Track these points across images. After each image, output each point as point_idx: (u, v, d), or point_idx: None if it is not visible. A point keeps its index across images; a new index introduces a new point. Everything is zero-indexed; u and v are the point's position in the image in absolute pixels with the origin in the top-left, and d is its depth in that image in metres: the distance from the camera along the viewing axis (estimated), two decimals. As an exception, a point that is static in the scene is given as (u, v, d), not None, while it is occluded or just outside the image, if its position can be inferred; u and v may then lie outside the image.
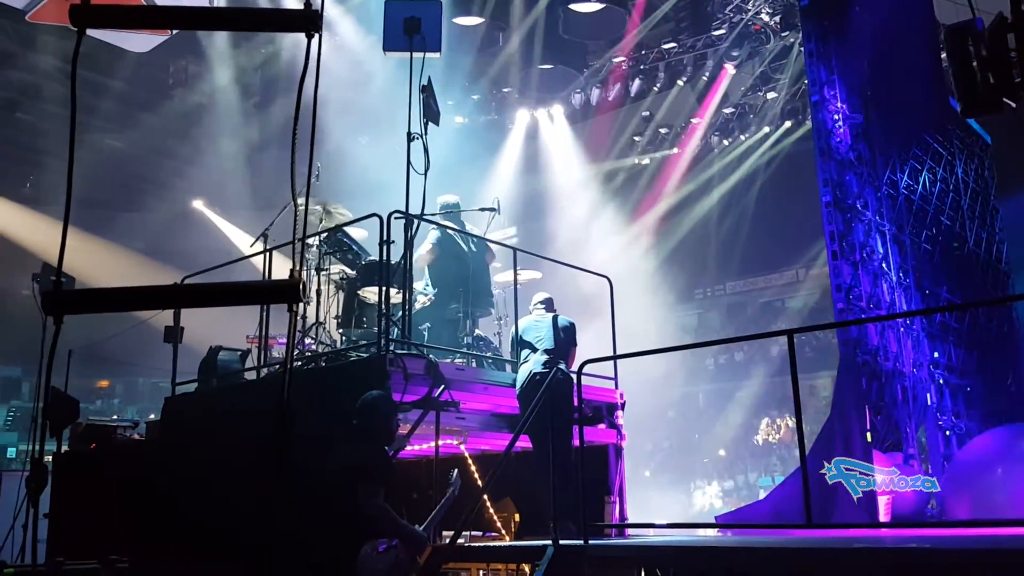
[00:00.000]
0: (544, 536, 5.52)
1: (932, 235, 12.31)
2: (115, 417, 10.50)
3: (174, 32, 13.89)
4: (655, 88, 18.45)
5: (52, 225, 19.02)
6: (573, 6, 15.26)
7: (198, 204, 21.14)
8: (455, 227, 7.86)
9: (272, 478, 5.19)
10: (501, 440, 6.83)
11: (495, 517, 6.65)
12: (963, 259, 13.01)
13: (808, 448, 7.77)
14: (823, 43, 10.64)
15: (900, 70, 11.90)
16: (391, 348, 6.09)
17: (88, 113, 17.72)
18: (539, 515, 6.17)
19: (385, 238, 6.31)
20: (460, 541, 5.74)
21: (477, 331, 8.06)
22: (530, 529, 6.58)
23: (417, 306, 7.37)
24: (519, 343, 6.94)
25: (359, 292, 7.28)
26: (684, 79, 18.19)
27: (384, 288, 6.32)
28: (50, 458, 9.27)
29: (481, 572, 6.09)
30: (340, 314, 7.61)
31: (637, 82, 18.24)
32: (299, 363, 7.29)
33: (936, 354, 11.53)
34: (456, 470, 5.74)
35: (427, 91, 6.76)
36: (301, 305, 7.35)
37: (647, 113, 20.11)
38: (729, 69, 17.76)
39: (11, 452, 19.39)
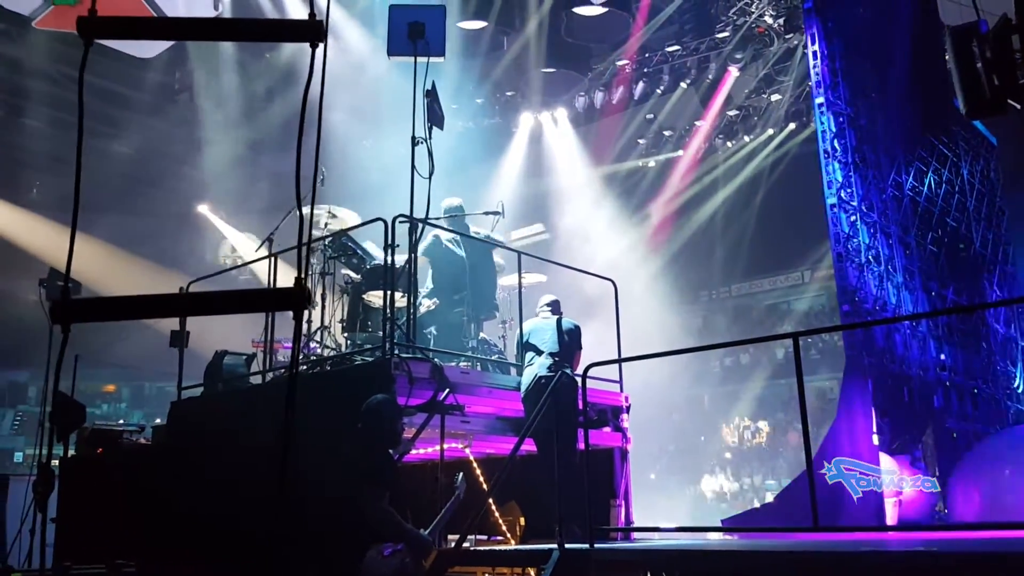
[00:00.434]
0: (549, 540, 5.51)
1: (938, 237, 12.28)
2: (121, 422, 10.52)
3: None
4: (659, 91, 18.47)
5: (58, 231, 19.07)
6: (577, 9, 15.27)
7: (203, 208, 21.18)
8: (456, 230, 7.86)
9: (278, 482, 5.20)
10: (506, 444, 6.82)
11: (500, 521, 6.65)
12: (969, 260, 12.98)
13: (815, 451, 7.75)
14: (827, 45, 10.63)
15: (904, 72, 11.90)
16: (396, 352, 6.09)
17: (93, 118, 17.75)
18: (544, 519, 6.16)
19: (389, 242, 6.32)
20: (465, 545, 5.74)
21: (482, 334, 8.07)
22: (535, 533, 6.57)
23: (422, 310, 7.38)
24: (524, 346, 6.94)
25: (364, 296, 7.29)
26: (688, 82, 18.20)
27: (389, 292, 6.33)
28: (56, 462, 9.30)
29: (486, 576, 6.09)
30: (345, 318, 7.62)
31: (641, 85, 18.26)
32: (304, 367, 7.30)
33: (943, 356, 11.49)
34: (461, 473, 5.75)
35: (431, 95, 6.78)
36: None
37: (651, 116, 20.11)
38: (733, 71, 17.76)
39: (18, 457, 19.43)
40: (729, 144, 20.44)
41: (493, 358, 7.82)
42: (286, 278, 8.20)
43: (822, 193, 10.33)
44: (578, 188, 20.39)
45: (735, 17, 16.61)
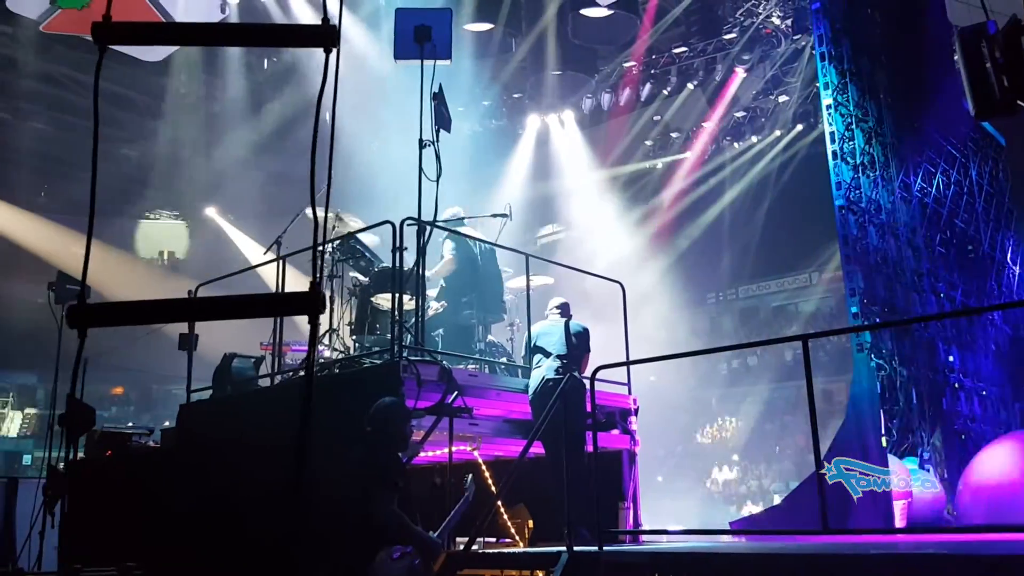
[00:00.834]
0: (558, 543, 5.51)
1: (946, 238, 12.23)
2: (130, 424, 10.55)
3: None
4: (666, 92, 18.46)
5: (66, 234, 19.19)
6: (584, 11, 15.27)
7: (210, 212, 21.26)
8: (471, 235, 7.87)
9: (289, 484, 5.21)
10: (514, 446, 6.82)
11: (509, 523, 6.65)
12: (978, 262, 12.92)
13: (824, 453, 7.73)
14: (835, 46, 10.59)
15: (913, 73, 11.86)
16: (404, 354, 6.10)
17: (103, 122, 17.83)
18: (552, 521, 6.16)
19: (398, 245, 6.33)
20: (474, 548, 5.74)
21: (490, 337, 8.07)
22: (543, 535, 6.57)
23: (430, 312, 7.39)
24: (532, 348, 6.94)
25: (372, 299, 7.31)
26: (695, 83, 18.20)
27: (397, 295, 6.34)
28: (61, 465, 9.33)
29: (495, 579, 6.08)
30: (353, 321, 7.63)
31: (648, 86, 18.26)
32: (306, 371, 7.30)
33: (951, 358, 11.44)
34: (471, 475, 5.75)
35: (438, 98, 6.79)
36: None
37: (658, 117, 20.11)
38: (740, 73, 17.75)
39: (26, 459, 19.51)
40: (736, 145, 20.42)
41: (501, 360, 7.82)
42: (292, 282, 8.24)
43: (830, 195, 10.29)
44: (585, 190, 20.39)
45: (742, 18, 16.60)
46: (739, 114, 19.65)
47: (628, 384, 7.66)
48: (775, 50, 17.10)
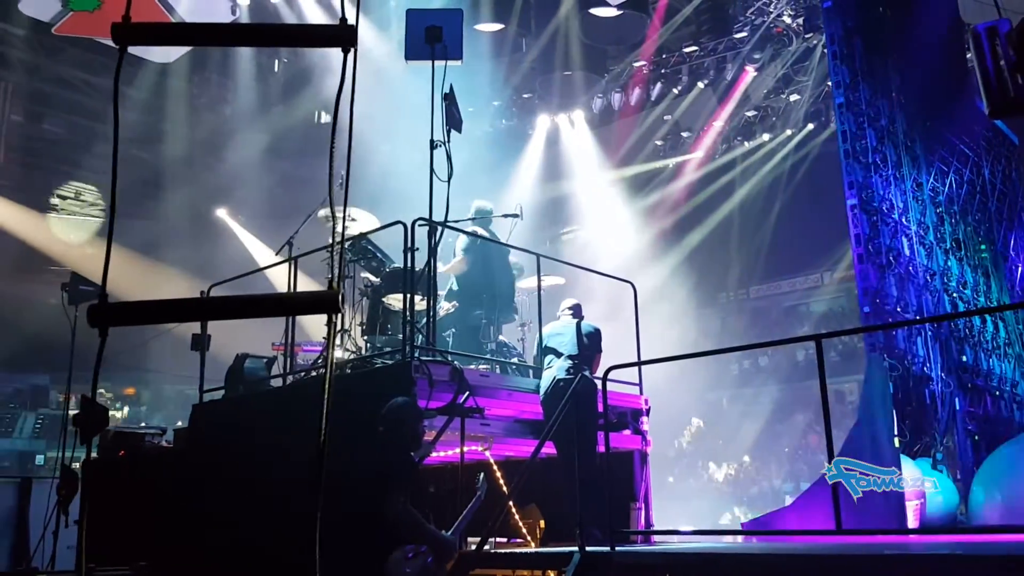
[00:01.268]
0: (569, 543, 5.51)
1: (959, 238, 12.17)
2: (143, 425, 10.61)
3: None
4: (676, 91, 18.43)
5: (78, 235, 19.30)
6: (594, 11, 15.26)
7: (221, 213, 21.32)
8: (483, 233, 7.88)
9: (303, 483, 5.23)
10: (525, 446, 6.83)
11: (520, 523, 6.65)
12: (991, 261, 12.85)
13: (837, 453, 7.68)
14: (847, 44, 10.54)
15: (925, 71, 11.78)
16: (416, 355, 6.11)
17: (110, 123, 17.92)
18: (564, 522, 6.16)
19: (409, 245, 6.34)
20: (486, 548, 5.74)
21: (501, 337, 8.08)
22: (555, 536, 6.57)
23: (441, 313, 7.40)
24: (543, 349, 6.94)
25: (384, 299, 7.32)
26: (705, 82, 18.15)
27: (409, 295, 6.35)
28: (78, 465, 9.39)
29: (507, 579, 6.08)
30: (365, 321, 7.65)
31: (658, 86, 18.22)
32: (325, 370, 7.33)
33: (964, 358, 11.38)
34: (483, 474, 5.76)
35: (449, 99, 6.80)
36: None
37: (668, 117, 20.06)
38: (751, 72, 17.69)
39: (39, 459, 19.60)
40: (747, 145, 20.36)
41: (512, 361, 7.82)
42: (301, 285, 8.25)
43: (841, 194, 10.25)
44: (595, 189, 20.37)
45: (753, 17, 16.55)
46: (750, 113, 19.59)
47: (640, 384, 7.65)
48: (786, 49, 17.04)
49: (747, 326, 24.92)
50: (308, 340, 8.87)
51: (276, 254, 8.19)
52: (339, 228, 1.78)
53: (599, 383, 6.08)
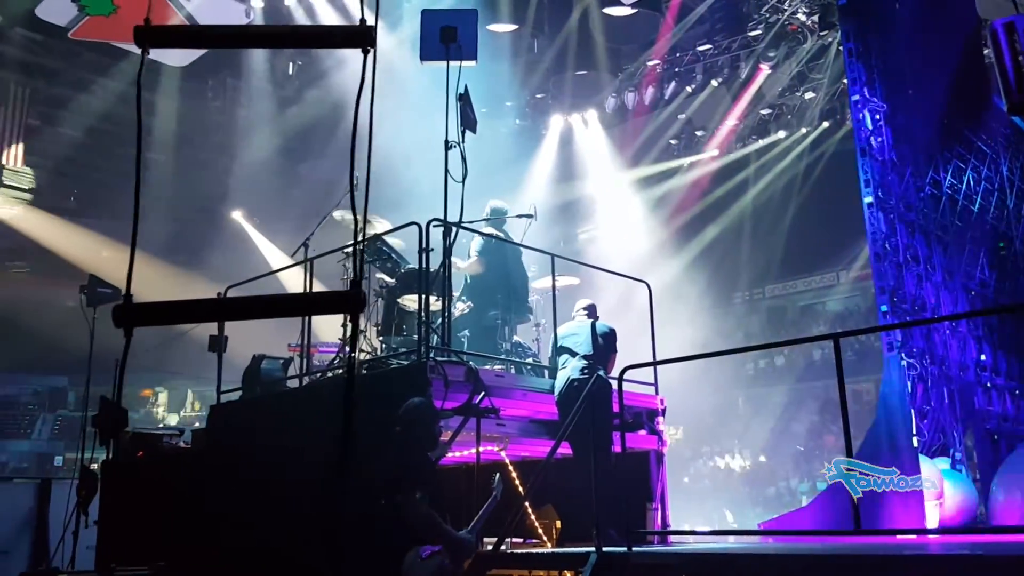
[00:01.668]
0: (585, 543, 5.50)
1: (977, 235, 12.07)
2: (161, 425, 10.69)
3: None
4: (690, 90, 18.38)
5: (95, 238, 19.45)
6: (607, 10, 15.24)
7: (236, 215, 21.44)
8: (497, 234, 7.87)
9: (319, 482, 5.25)
10: (541, 446, 6.82)
11: (536, 524, 6.64)
12: (1009, 259, 12.73)
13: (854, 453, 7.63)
14: (862, 41, 10.49)
15: (942, 67, 11.70)
16: (431, 355, 6.12)
17: (129, 126, 18.09)
18: (580, 522, 6.15)
19: (424, 246, 6.34)
20: (502, 548, 5.74)
21: (516, 337, 8.07)
22: (571, 536, 6.56)
23: (456, 313, 7.40)
24: (558, 349, 6.93)
25: (399, 300, 7.33)
26: (719, 80, 18.09)
27: (424, 296, 6.35)
28: (96, 466, 9.46)
29: (523, 579, 6.07)
30: (380, 322, 7.66)
31: (672, 85, 18.18)
32: (341, 371, 7.35)
33: (983, 356, 11.29)
34: (498, 474, 5.75)
35: (464, 99, 6.80)
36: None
37: (682, 116, 20.01)
38: (765, 69, 17.61)
39: (58, 460, 19.77)
40: (761, 143, 20.28)
41: (527, 361, 7.82)
42: (315, 287, 8.26)
43: (857, 192, 10.19)
44: (609, 189, 20.33)
45: (767, 15, 16.48)
46: (764, 111, 19.50)
47: (655, 384, 7.63)
48: (801, 47, 16.96)
49: (763, 325, 24.82)
50: (323, 342, 8.89)
51: (292, 256, 8.22)
52: (360, 228, 1.78)
53: (614, 383, 6.07)
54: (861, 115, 10.19)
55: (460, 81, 6.83)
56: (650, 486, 7.36)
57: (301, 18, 16.03)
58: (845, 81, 12.74)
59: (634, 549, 5.29)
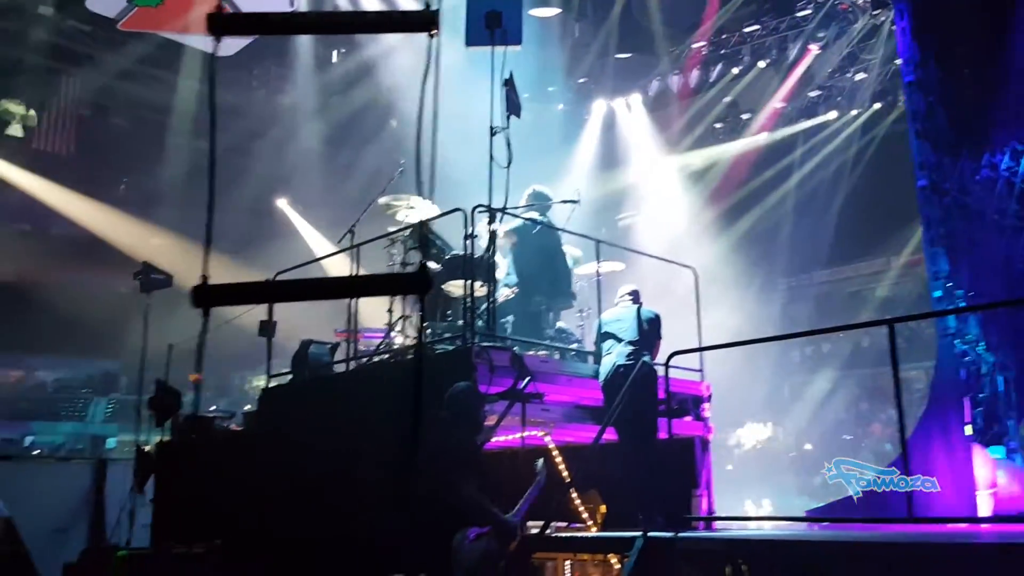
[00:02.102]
0: (630, 528, 5.50)
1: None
2: (213, 408, 10.93)
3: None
4: (735, 72, 18.10)
5: (145, 227, 19.86)
6: (650, -8, 15.09)
7: (281, 203, 21.70)
8: (540, 219, 7.87)
9: (370, 463, 5.33)
10: (585, 432, 6.83)
11: (581, 508, 6.66)
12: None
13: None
14: (917, 20, 10.22)
15: (998, 47, 11.34)
16: (476, 340, 6.15)
17: (177, 116, 18.45)
18: (624, 507, 6.15)
19: (469, 232, 6.37)
20: (547, 532, 5.77)
21: (560, 323, 8.08)
22: (615, 521, 6.56)
23: (500, 299, 7.43)
24: (602, 335, 6.91)
25: (444, 286, 7.38)
26: (767, 62, 17.76)
27: (469, 282, 6.39)
28: (150, 447, 9.72)
29: (568, 562, 6.10)
30: (425, 308, 7.70)
31: (718, 67, 17.94)
32: (387, 356, 7.44)
33: (1039, 343, 10.99)
34: (542, 459, 5.78)
35: (509, 84, 6.80)
36: (389, 299, 7.51)
37: (728, 99, 19.70)
38: (814, 50, 17.26)
39: (111, 443, 20.29)
40: (809, 125, 19.90)
41: (571, 347, 7.82)
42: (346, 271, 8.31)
43: (908, 176, 9.97)
44: (653, 173, 20.15)
45: (817, -6, 16.17)
46: (813, 93, 19.10)
47: (701, 371, 7.59)
48: (851, 26, 16.58)
49: (811, 312, 24.42)
50: (369, 328, 8.99)
51: (338, 242, 8.32)
52: (416, 213, 1.80)
53: (660, 369, 6.04)
54: (915, 97, 9.95)
55: (504, 66, 6.84)
56: (695, 472, 7.33)
57: (344, 4, 16.13)
58: (897, 61, 12.42)
59: (680, 535, 5.28)
